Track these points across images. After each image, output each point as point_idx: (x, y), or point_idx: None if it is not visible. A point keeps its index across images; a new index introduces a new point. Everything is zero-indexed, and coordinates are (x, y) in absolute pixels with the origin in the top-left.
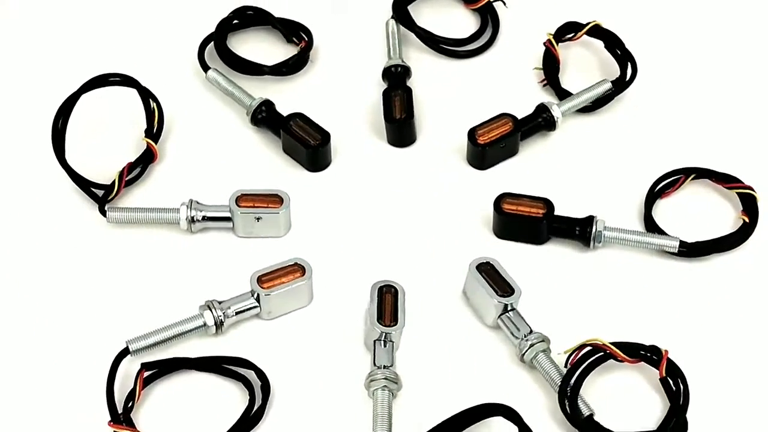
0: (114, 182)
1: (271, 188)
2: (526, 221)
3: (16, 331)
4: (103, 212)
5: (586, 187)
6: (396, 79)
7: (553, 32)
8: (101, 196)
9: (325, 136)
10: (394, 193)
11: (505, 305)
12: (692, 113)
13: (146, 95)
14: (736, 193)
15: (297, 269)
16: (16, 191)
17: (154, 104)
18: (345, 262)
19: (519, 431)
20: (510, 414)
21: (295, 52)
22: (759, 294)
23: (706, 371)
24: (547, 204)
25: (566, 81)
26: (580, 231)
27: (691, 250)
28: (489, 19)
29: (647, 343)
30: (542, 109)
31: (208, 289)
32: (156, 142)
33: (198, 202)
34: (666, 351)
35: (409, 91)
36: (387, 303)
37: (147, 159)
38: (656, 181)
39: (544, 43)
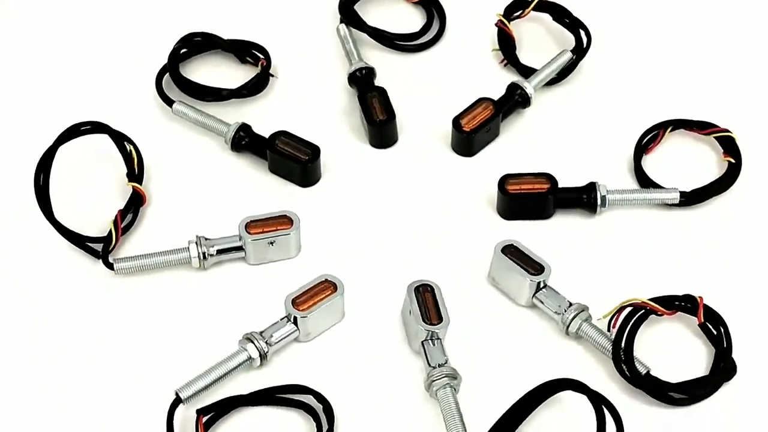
0: (110, 232)
1: (276, 210)
2: (532, 198)
3: (56, 403)
4: (109, 265)
5: (571, 155)
6: (364, 81)
7: (501, 12)
8: (101, 249)
9: (314, 150)
10: (390, 193)
11: (538, 283)
12: (652, 69)
13: (120, 139)
14: (714, 137)
15: (328, 286)
16: (7, 257)
17: (130, 146)
18: (362, 269)
19: (590, 401)
20: (577, 386)
21: (255, 73)
22: (760, 226)
23: (740, 311)
24: (550, 178)
25: (524, 58)
26: (585, 199)
27: (689, 198)
28: (433, 10)
29: (679, 294)
30: (515, 88)
31: (234, 322)
32: (140, 184)
33: (206, 237)
34: (701, 298)
35: (383, 91)
36: (428, 302)
37: (136, 203)
38: (639, 138)
39: (496, 24)
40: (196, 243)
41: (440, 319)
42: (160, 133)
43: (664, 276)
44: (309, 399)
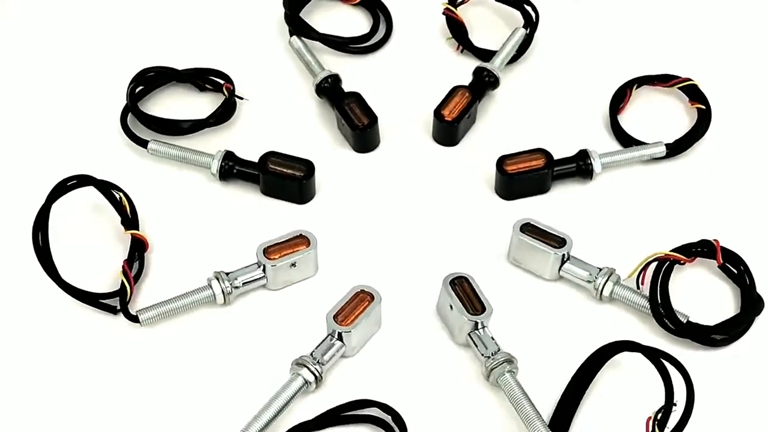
0: (123, 284)
1: (287, 232)
2: (532, 175)
3: None
4: (132, 318)
5: (548, 128)
6: (332, 90)
7: (446, 0)
8: (119, 303)
9: (308, 166)
10: (388, 194)
11: (563, 256)
12: (604, 32)
13: (107, 188)
14: (678, 88)
15: (365, 297)
16: (15, 325)
17: (119, 194)
18: (383, 273)
19: (648, 358)
20: (631, 346)
21: (217, 99)
22: (742, 162)
23: (752, 246)
24: (545, 153)
25: (478, 41)
26: (581, 166)
27: (673, 149)
28: (377, 9)
29: (694, 241)
30: (481, 71)
31: (273, 350)
32: (137, 230)
33: (225, 272)
34: (716, 241)
35: (358, 95)
36: (467, 293)
37: (139, 249)
38: (611, 100)
39: (444, 13)
40: (217, 279)
41: (483, 307)
42: (140, 174)
43: (668, 227)
44: (375, 411)
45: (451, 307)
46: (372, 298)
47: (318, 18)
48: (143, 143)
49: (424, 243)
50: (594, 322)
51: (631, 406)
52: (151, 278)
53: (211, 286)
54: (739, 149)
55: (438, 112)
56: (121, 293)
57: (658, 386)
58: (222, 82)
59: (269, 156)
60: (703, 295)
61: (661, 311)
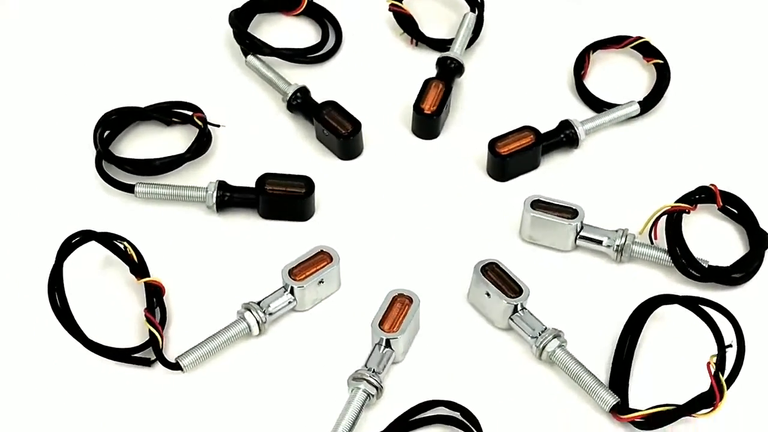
0: (152, 333)
1: (310, 249)
2: (524, 153)
3: None
4: (174, 366)
5: (518, 105)
6: (304, 104)
7: None
8: (155, 353)
9: (308, 183)
10: (382, 198)
11: (577, 226)
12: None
13: (109, 240)
14: (630, 47)
15: (405, 300)
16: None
17: (123, 243)
18: (404, 279)
19: (687, 308)
20: (670, 299)
21: (184, 132)
22: (708, 104)
23: (745, 185)
24: (532, 129)
25: (429, 32)
26: (568, 134)
27: (645, 106)
28: (323, 17)
29: (691, 189)
30: (444, 61)
31: (321, 373)
32: (149, 277)
33: (254, 302)
34: (713, 185)
35: (334, 104)
36: (501, 277)
37: (156, 295)
38: (573, 68)
39: (390, 9)
40: (249, 310)
41: (520, 289)
42: (130, 217)
43: (660, 181)
44: (442, 411)
45: (488, 294)
46: (411, 300)
47: (265, 32)
48: (129, 188)
49: (434, 237)
50: (619, 283)
51: (681, 357)
52: (173, 321)
53: (245, 318)
54: (703, 96)
55: (417, 107)
56: (153, 343)
57: (700, 333)
58: (189, 112)
59: (266, 178)
60: (710, 239)
61: (683, 261)
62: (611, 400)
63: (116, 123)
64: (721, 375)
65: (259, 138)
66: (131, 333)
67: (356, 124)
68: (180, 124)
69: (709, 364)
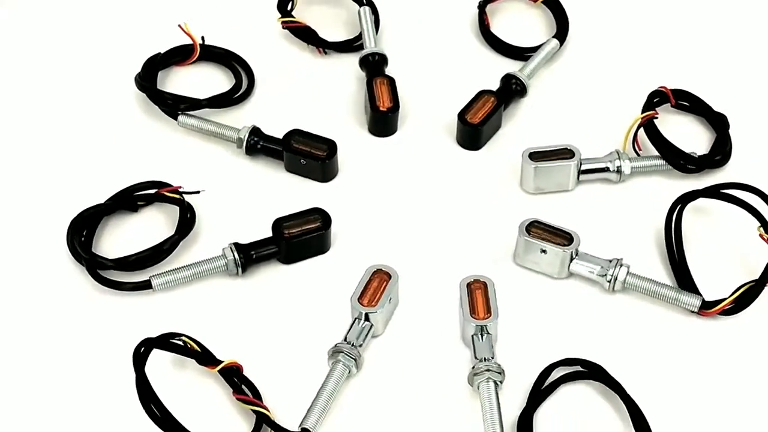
0: (258, 413)
1: (369, 268)
2: (492, 116)
3: None
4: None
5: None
6: (264, 142)
7: (280, 16)
8: (273, 429)
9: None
10: (402, 183)
11: (576, 163)
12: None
13: (166, 341)
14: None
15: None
16: None
17: (181, 339)
18: (397, 258)
19: (712, 197)
20: (695, 194)
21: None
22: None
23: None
24: (490, 92)
25: (327, 36)
26: (519, 84)
27: (560, 38)
28: (222, 59)
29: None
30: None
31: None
32: (219, 364)
33: (344, 343)
34: (664, 87)
35: (298, 131)
36: (549, 231)
37: (236, 374)
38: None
39: (283, 27)
40: (341, 352)
41: (570, 236)
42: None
43: (610, 101)
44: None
45: (544, 251)
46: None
47: (176, 84)
48: (118, 285)
49: (440, 230)
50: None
51: (725, 247)
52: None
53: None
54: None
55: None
56: (264, 420)
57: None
58: (153, 190)
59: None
60: (679, 135)
61: (679, 161)
62: (696, 300)
63: (90, 220)
64: None
65: (225, 195)
66: (233, 420)
67: (331, 144)
68: (146, 206)
69: (761, 235)
